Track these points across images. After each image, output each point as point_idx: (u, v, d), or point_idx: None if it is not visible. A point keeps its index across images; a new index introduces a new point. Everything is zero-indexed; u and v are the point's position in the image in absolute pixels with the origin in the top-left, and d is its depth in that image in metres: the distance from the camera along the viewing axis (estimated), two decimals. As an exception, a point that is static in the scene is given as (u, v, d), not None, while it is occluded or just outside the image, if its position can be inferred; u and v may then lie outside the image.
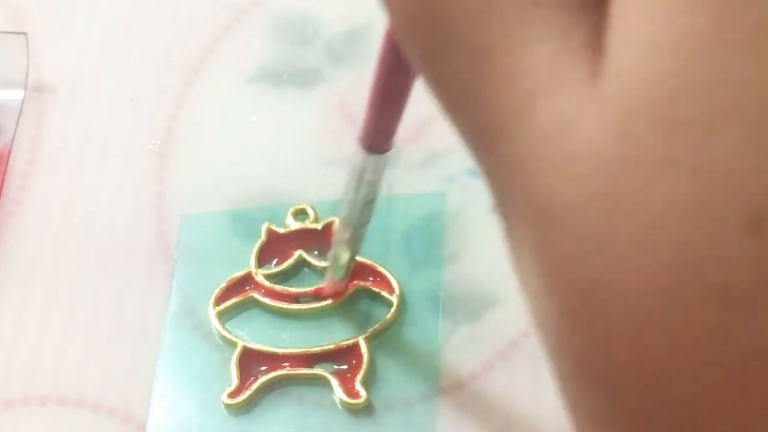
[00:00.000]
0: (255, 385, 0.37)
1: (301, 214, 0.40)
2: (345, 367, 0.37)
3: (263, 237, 0.39)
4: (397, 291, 0.38)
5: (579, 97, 0.17)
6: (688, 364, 0.16)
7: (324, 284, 0.38)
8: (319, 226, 0.39)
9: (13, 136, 0.43)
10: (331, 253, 0.37)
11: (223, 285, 0.39)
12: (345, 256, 0.36)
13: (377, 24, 0.43)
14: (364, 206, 0.34)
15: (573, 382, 0.18)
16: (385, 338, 0.37)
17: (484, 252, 0.39)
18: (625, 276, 0.16)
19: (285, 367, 0.37)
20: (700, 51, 0.16)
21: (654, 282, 0.16)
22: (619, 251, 0.16)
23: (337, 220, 0.35)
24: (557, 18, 0.17)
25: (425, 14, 0.18)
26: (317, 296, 0.38)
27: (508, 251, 0.19)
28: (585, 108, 0.17)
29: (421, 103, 0.43)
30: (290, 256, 0.39)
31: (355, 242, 0.36)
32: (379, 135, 0.32)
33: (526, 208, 0.17)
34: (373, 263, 0.38)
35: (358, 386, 0.36)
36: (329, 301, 0.38)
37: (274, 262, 0.39)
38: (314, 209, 0.40)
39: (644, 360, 0.17)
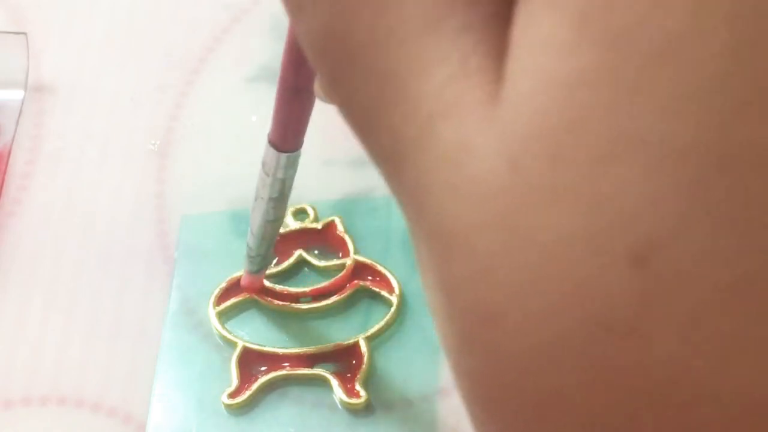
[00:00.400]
0: (255, 385, 0.37)
1: (301, 213, 0.40)
2: (345, 367, 0.37)
3: (264, 237, 0.39)
4: (397, 291, 0.38)
5: (477, 121, 0.17)
6: (572, 390, 0.16)
7: (243, 281, 0.38)
8: (319, 226, 0.39)
9: (13, 136, 0.43)
10: (248, 244, 0.36)
11: (224, 285, 0.39)
12: (258, 250, 0.36)
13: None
14: (276, 202, 0.34)
15: (469, 402, 0.18)
16: (385, 338, 0.37)
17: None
18: (516, 302, 0.17)
19: (285, 367, 0.37)
20: (590, 86, 0.16)
21: (542, 309, 0.16)
22: (511, 278, 0.17)
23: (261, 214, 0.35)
24: (457, 41, 0.17)
25: (331, 38, 0.19)
26: (317, 296, 0.38)
27: (421, 276, 0.19)
28: (482, 133, 0.17)
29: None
30: (290, 255, 0.39)
31: (268, 238, 0.35)
32: (288, 134, 0.32)
33: (428, 231, 0.18)
34: (373, 263, 0.38)
35: (358, 386, 0.36)
36: (330, 301, 0.38)
37: (274, 261, 0.39)
38: (314, 209, 0.40)
39: (532, 386, 0.17)
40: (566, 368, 0.16)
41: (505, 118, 0.17)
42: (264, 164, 0.33)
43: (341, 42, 0.19)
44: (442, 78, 0.17)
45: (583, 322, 0.16)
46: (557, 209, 0.16)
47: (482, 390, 0.18)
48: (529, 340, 0.17)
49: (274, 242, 0.36)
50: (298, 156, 0.33)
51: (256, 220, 0.35)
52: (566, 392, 0.17)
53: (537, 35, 0.17)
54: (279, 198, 0.34)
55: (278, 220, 0.35)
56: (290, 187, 0.34)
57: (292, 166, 0.33)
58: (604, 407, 0.16)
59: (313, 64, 0.20)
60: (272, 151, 0.32)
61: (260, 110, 0.43)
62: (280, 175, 0.33)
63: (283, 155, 0.33)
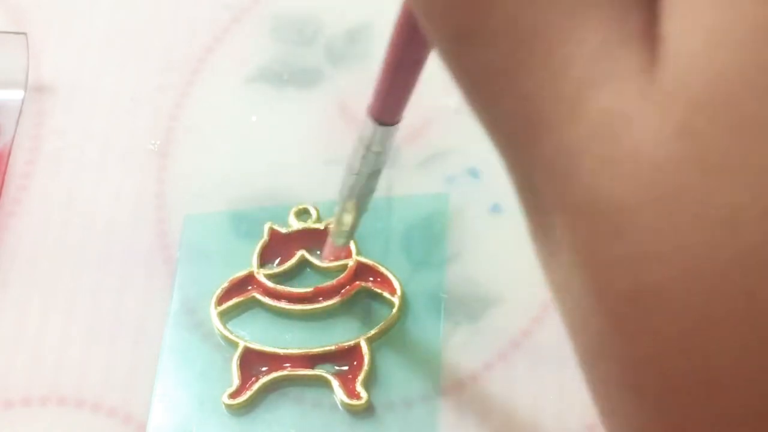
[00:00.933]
0: (256, 386, 0.37)
1: (303, 213, 0.40)
2: (346, 368, 0.37)
3: (265, 237, 0.39)
4: (398, 292, 0.38)
5: (634, 89, 0.16)
6: (749, 376, 0.15)
7: (325, 248, 0.38)
8: (321, 226, 0.39)
9: (13, 136, 0.43)
10: (335, 218, 0.36)
11: (225, 285, 0.39)
12: (348, 222, 0.36)
13: (377, 24, 0.44)
14: (369, 177, 0.34)
15: (614, 389, 0.17)
16: (386, 339, 0.37)
17: (484, 252, 0.39)
18: (684, 282, 0.15)
19: (286, 367, 0.37)
20: None
21: (718, 288, 0.15)
22: (679, 257, 0.15)
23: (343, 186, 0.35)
24: (611, 3, 0.16)
25: None
26: (317, 296, 0.38)
27: (538, 250, 0.18)
28: (641, 102, 0.16)
29: (421, 103, 0.43)
30: (292, 256, 0.39)
31: (358, 211, 0.36)
32: (389, 107, 0.32)
33: (571, 207, 0.17)
34: (374, 264, 0.38)
35: (359, 387, 0.36)
36: (331, 302, 0.38)
37: (276, 262, 0.39)
38: (316, 209, 0.40)
39: (698, 370, 0.16)
40: (747, 352, 0.15)
41: (668, 85, 0.15)
42: (361, 138, 0.33)
43: None
44: (595, 43, 0.16)
45: (759, 301, 0.15)
46: (732, 181, 0.15)
47: (634, 377, 0.17)
48: (699, 320, 0.16)
49: (362, 215, 0.36)
50: (396, 130, 0.33)
51: (347, 194, 0.35)
52: (743, 377, 0.15)
53: None
54: (373, 173, 0.34)
55: (370, 193, 0.35)
56: (384, 162, 0.34)
57: (388, 140, 0.33)
58: None
59: (429, 23, 0.18)
60: (370, 124, 0.32)
61: (260, 110, 0.43)
62: (375, 148, 0.33)
63: (380, 128, 0.32)
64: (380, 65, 0.30)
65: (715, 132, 0.15)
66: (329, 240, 0.38)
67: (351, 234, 0.37)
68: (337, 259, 0.38)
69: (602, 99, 0.16)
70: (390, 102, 0.32)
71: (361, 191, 0.35)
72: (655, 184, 0.15)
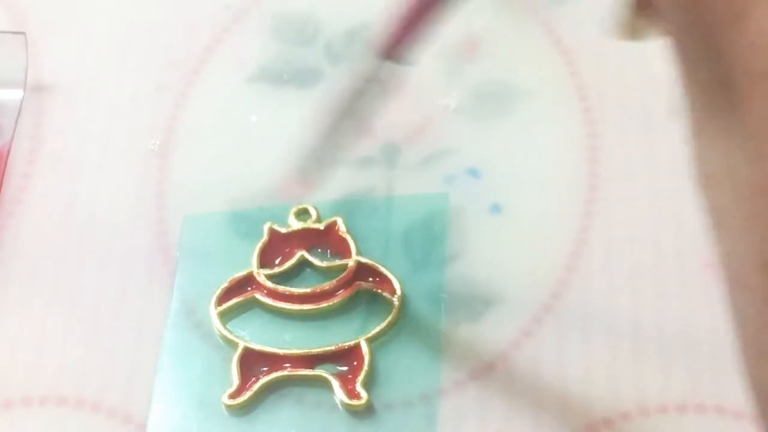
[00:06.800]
0: (256, 386, 0.37)
1: (303, 213, 0.40)
2: (346, 368, 0.37)
3: (265, 237, 0.39)
4: (398, 292, 0.38)
5: None
6: None
7: (285, 181, 0.38)
8: (321, 226, 0.39)
9: (12, 136, 0.43)
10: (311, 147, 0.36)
11: (225, 285, 0.39)
12: (317, 154, 0.36)
13: (377, 24, 0.44)
14: (352, 112, 0.34)
15: None
16: (386, 340, 0.37)
17: (484, 252, 0.39)
18: None
19: (286, 368, 0.37)
20: None
21: None
22: None
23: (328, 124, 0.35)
24: None
25: None
26: (317, 296, 0.38)
27: (703, 150, 0.19)
28: None
29: (420, 103, 0.43)
30: (292, 256, 0.39)
31: (331, 146, 0.36)
32: (397, 42, 0.32)
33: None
34: (374, 264, 0.38)
35: (359, 387, 0.36)
36: (331, 302, 0.38)
37: (276, 262, 0.39)
38: (316, 209, 0.40)
39: None
40: None
41: None
42: (362, 72, 0.33)
43: None
44: None
45: None
46: None
47: None
48: None
49: (331, 156, 0.36)
50: (398, 71, 0.33)
51: (326, 125, 0.35)
52: None
53: None
54: (357, 107, 0.34)
55: (346, 132, 0.35)
56: (370, 105, 0.34)
57: (386, 76, 0.33)
58: None
59: None
60: (380, 60, 0.33)
61: (260, 110, 0.43)
62: (371, 79, 0.33)
63: (389, 65, 0.33)
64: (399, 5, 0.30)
65: None
66: (291, 174, 0.37)
67: (314, 170, 0.37)
68: (290, 192, 0.38)
69: None
70: (401, 38, 0.32)
71: (339, 124, 0.35)
72: None
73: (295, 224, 0.40)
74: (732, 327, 0.19)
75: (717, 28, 0.20)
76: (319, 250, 0.39)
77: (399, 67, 0.33)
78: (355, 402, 0.36)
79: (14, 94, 0.43)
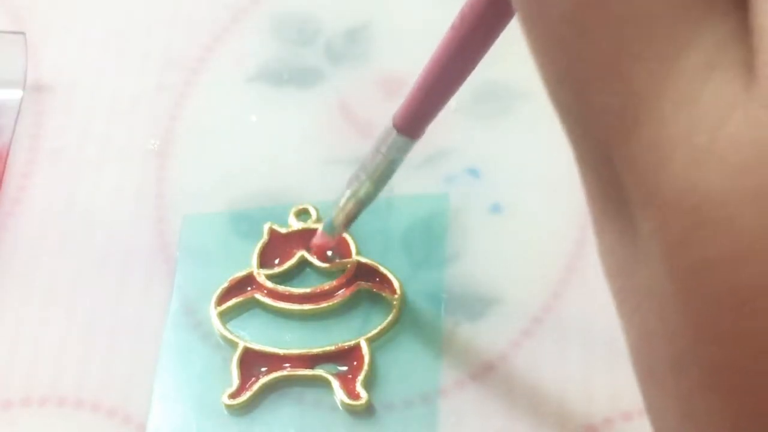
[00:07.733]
0: (256, 386, 0.37)
1: (303, 214, 0.40)
2: (346, 368, 0.37)
3: (265, 237, 0.39)
4: (398, 292, 0.38)
5: (739, 82, 0.15)
6: None
7: (315, 239, 0.38)
8: (321, 227, 0.39)
9: (12, 136, 0.43)
10: (337, 206, 0.37)
11: (225, 285, 0.39)
12: (340, 221, 0.37)
13: (377, 24, 0.44)
14: (378, 179, 0.35)
15: (700, 393, 0.17)
16: (386, 340, 0.37)
17: (484, 252, 0.39)
18: None
19: (286, 367, 0.37)
20: None
21: None
22: None
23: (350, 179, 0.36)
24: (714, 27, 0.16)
25: None
26: (317, 296, 0.38)
27: (614, 257, 0.18)
28: (745, 94, 0.15)
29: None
30: (292, 256, 0.39)
31: (352, 213, 0.36)
32: (414, 120, 0.32)
33: (664, 203, 0.16)
34: (374, 264, 0.38)
35: (359, 387, 0.36)
36: (331, 302, 0.38)
37: (276, 262, 0.39)
38: (316, 209, 0.40)
39: None
40: None
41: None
42: (378, 141, 0.34)
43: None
44: (706, 46, 0.16)
45: None
46: None
47: (731, 379, 0.16)
48: None
49: (356, 217, 0.36)
50: (413, 144, 0.33)
51: (347, 193, 0.36)
52: None
53: None
54: (387, 177, 0.35)
55: (368, 199, 0.36)
56: (393, 171, 0.35)
57: (403, 152, 0.34)
58: None
59: (536, 19, 0.18)
60: (393, 131, 0.33)
61: (260, 110, 0.43)
62: (390, 155, 0.34)
63: (401, 138, 0.33)
64: (421, 73, 0.30)
65: None
66: (320, 231, 0.38)
67: (340, 230, 0.37)
68: (323, 250, 0.38)
69: (707, 90, 0.16)
70: (418, 117, 0.32)
71: (367, 194, 0.35)
72: (760, 177, 0.15)
73: (295, 224, 0.40)
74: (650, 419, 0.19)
75: (609, 139, 0.17)
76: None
77: (414, 141, 0.33)
78: (355, 402, 0.36)
79: (13, 94, 0.43)
